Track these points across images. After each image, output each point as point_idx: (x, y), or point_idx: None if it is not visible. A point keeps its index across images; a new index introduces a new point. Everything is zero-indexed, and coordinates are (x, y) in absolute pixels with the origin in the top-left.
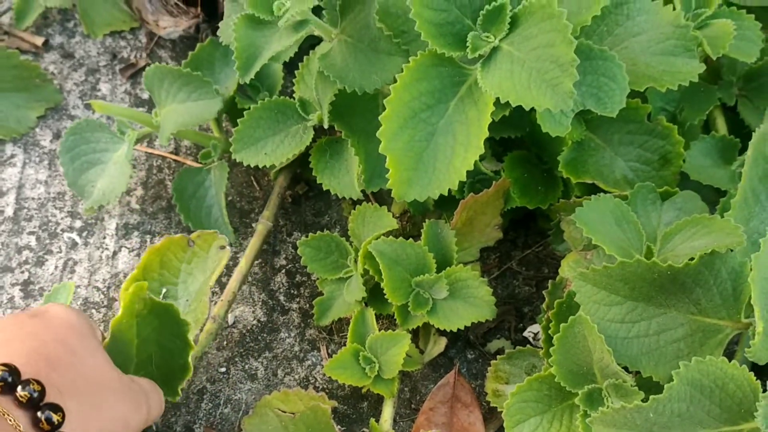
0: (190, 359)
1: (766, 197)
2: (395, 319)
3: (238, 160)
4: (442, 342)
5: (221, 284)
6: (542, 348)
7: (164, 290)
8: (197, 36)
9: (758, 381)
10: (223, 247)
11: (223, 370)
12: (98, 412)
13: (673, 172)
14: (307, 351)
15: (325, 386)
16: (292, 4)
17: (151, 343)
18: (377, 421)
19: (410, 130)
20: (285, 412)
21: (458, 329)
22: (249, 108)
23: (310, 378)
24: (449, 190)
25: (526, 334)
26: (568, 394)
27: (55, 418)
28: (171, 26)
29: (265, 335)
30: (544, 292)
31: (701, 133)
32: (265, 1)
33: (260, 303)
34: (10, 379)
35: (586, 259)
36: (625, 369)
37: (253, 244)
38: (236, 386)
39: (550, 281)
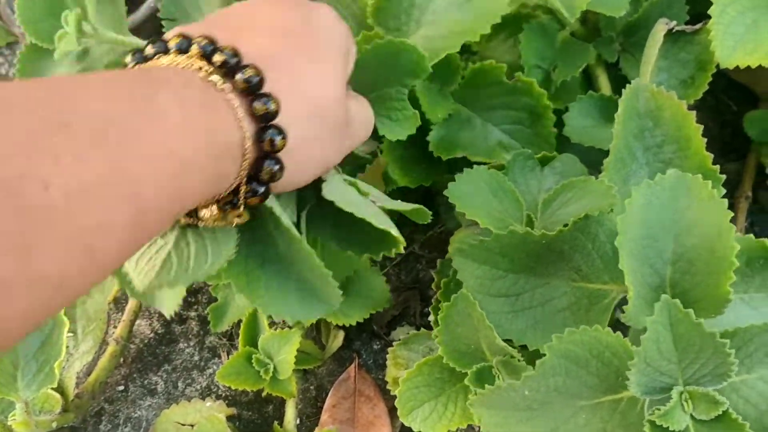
0: None
1: (642, 154)
2: None
3: None
4: (341, 335)
5: (120, 305)
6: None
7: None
8: None
9: (634, 347)
10: None
11: (121, 388)
12: (318, 144)
13: (546, 127)
14: (208, 359)
15: (227, 393)
16: (72, 34)
17: None
18: (281, 423)
19: None
20: (184, 424)
21: (359, 321)
22: None
23: (212, 386)
24: None
25: (431, 318)
26: (461, 375)
27: (272, 105)
28: None
29: (163, 347)
30: (433, 272)
31: (582, 93)
32: (46, 29)
33: (157, 314)
34: (233, 61)
35: (475, 234)
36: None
37: None
38: (136, 403)
39: (438, 260)
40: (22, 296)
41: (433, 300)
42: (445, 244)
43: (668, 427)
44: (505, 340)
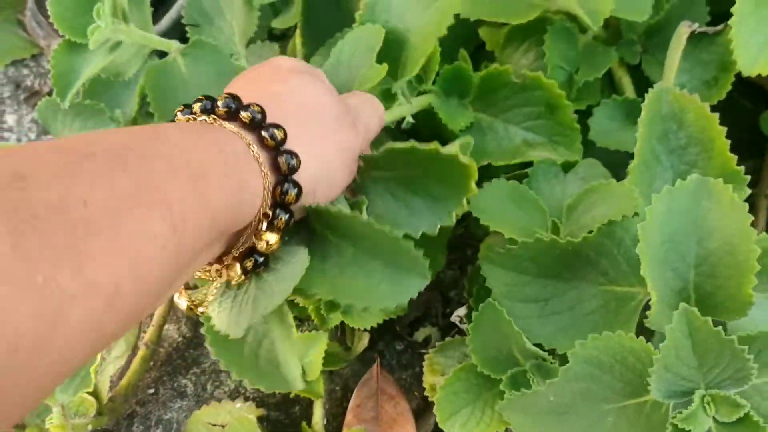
0: None
1: (666, 157)
2: None
3: None
4: (365, 337)
5: None
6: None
7: None
8: None
9: (657, 350)
10: None
11: (151, 391)
12: (320, 139)
13: (566, 114)
14: None
15: (255, 395)
16: (104, 25)
17: None
18: (309, 423)
19: None
20: (215, 425)
21: (382, 322)
22: None
23: (240, 389)
24: None
25: (453, 318)
26: (496, 381)
27: (278, 134)
28: None
29: (191, 351)
30: (465, 280)
31: (606, 96)
32: (79, 24)
33: (184, 318)
34: (233, 106)
35: (503, 239)
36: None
37: None
38: (166, 406)
39: (469, 266)
40: (80, 305)
41: (465, 307)
42: (466, 245)
43: (691, 430)
44: (536, 345)
